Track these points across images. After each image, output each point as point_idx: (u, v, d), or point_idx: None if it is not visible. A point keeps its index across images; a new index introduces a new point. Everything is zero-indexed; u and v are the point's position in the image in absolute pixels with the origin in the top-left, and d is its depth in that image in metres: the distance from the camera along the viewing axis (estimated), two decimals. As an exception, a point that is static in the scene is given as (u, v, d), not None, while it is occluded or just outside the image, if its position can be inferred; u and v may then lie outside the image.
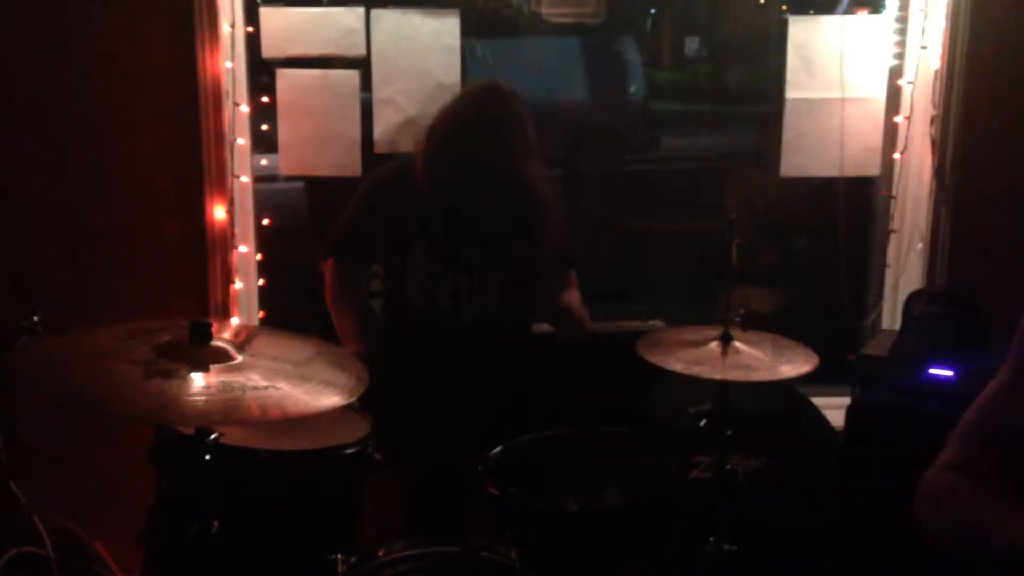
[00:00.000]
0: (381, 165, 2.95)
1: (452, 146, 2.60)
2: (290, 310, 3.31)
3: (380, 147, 3.19)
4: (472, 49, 3.68)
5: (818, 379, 2.66)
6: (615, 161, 4.90)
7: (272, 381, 1.78)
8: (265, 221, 3.28)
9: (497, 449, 2.39)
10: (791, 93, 3.25)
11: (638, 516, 2.32)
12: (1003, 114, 3.08)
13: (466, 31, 3.23)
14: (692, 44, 6.41)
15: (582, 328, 2.73)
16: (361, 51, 3.14)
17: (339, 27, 3.12)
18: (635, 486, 2.33)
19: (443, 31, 3.18)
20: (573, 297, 2.80)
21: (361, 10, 3.12)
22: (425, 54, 3.17)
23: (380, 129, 3.19)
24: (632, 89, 5.55)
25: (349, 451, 2.21)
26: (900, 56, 3.23)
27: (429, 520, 2.55)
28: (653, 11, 5.88)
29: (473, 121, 2.61)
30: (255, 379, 1.77)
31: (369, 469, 2.26)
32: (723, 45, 5.16)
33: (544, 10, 4.17)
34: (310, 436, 2.23)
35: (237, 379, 1.75)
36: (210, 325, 1.84)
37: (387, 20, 3.15)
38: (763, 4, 3.91)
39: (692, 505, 2.59)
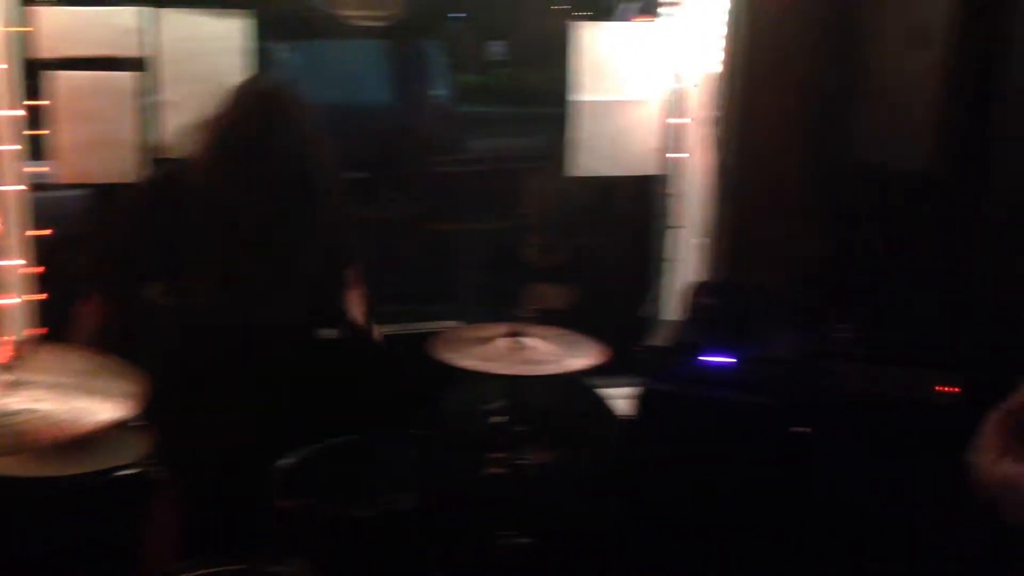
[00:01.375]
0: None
1: (229, 145, 2.56)
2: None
3: (166, 152, 3.08)
4: (272, 51, 3.60)
5: (607, 371, 2.75)
6: (422, 163, 4.90)
7: (44, 400, 1.69)
8: (44, 231, 3.11)
9: (288, 459, 2.35)
10: (577, 96, 3.34)
11: (432, 517, 2.33)
12: (780, 115, 3.23)
13: (266, 33, 3.16)
14: (495, 48, 6.49)
15: (369, 338, 2.73)
16: (139, 51, 3.02)
17: (115, 27, 2.99)
18: (427, 488, 2.34)
19: (233, 32, 3.10)
20: (358, 306, 2.79)
21: (140, 10, 3.00)
22: (214, 56, 3.08)
23: (167, 133, 3.08)
24: (437, 91, 5.57)
25: (125, 472, 2.12)
26: (681, 60, 3.36)
27: (212, 537, 2.48)
28: (456, 15, 5.91)
29: (249, 120, 2.58)
30: (25, 400, 1.68)
31: (149, 489, 2.18)
32: (522, 49, 5.24)
33: (344, 12, 4.12)
34: (83, 458, 2.13)
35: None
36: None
37: (173, 20, 3.05)
38: (558, 9, 4.00)
39: (489, 501, 2.64)
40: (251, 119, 2.61)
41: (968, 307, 2.80)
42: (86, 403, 1.73)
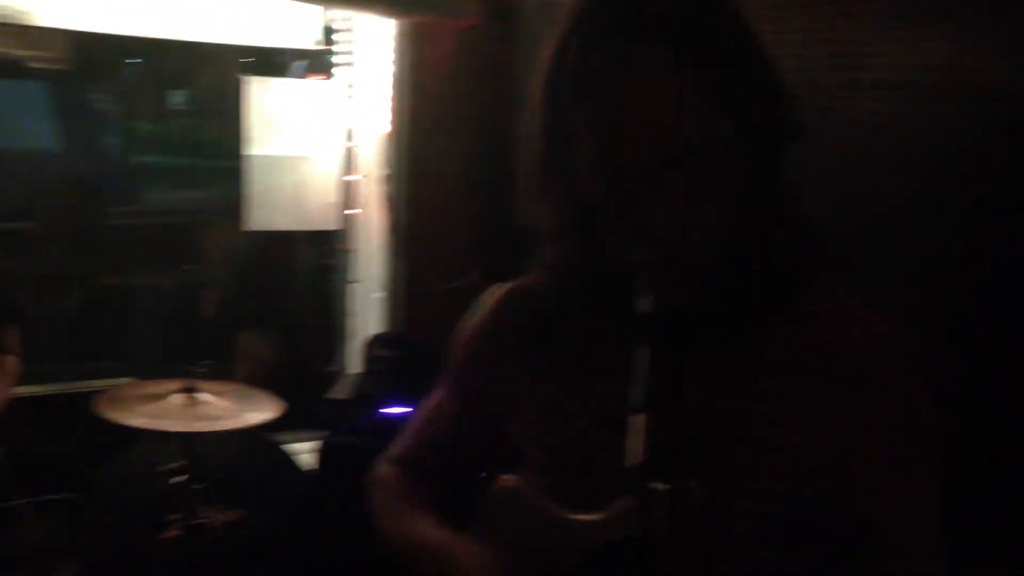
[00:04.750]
0: None
1: None
2: None
3: None
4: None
5: (293, 425, 2.74)
6: (93, 214, 4.67)
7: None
8: None
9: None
10: (253, 150, 3.35)
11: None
12: (447, 173, 3.41)
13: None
14: (176, 97, 6.31)
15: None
16: None
17: None
18: (91, 553, 2.25)
19: None
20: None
21: None
22: None
23: None
24: (108, 140, 5.34)
25: None
26: (354, 118, 3.46)
27: None
28: (133, 61, 5.71)
29: None
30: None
31: None
32: (203, 99, 5.16)
33: (8, 52, 3.88)
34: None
35: None
36: None
37: None
38: (236, 62, 3.99)
39: (167, 564, 2.56)
40: None
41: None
42: None
